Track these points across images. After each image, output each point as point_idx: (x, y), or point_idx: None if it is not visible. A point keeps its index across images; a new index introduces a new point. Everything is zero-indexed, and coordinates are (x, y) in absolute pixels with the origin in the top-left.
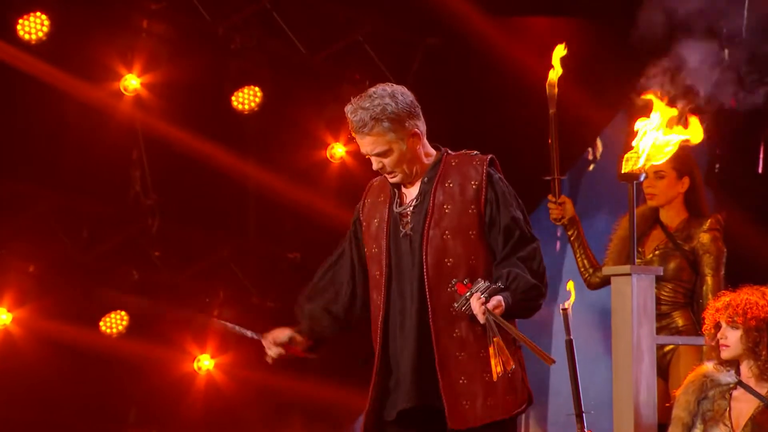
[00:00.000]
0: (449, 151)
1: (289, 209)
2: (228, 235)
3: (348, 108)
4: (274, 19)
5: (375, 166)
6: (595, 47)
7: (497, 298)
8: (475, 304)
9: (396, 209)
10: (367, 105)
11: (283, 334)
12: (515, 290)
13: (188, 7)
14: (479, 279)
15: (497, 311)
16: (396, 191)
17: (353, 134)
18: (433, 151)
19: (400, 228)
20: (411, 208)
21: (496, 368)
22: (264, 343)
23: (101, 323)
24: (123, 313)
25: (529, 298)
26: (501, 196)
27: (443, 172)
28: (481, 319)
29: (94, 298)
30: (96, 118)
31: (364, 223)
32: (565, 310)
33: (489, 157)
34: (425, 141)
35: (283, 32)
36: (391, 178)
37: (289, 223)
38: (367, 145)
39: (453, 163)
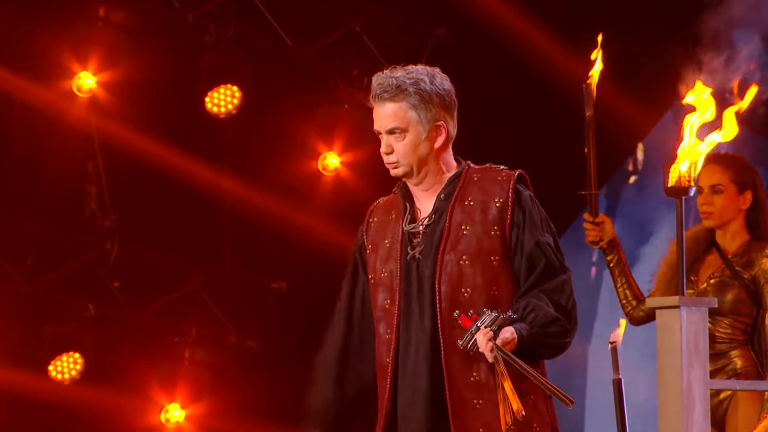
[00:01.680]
0: (471, 165)
1: (273, 231)
2: (201, 262)
3: (376, 75)
4: (255, 6)
5: (383, 148)
6: (636, 38)
7: (509, 330)
8: (482, 339)
9: (406, 227)
10: (399, 74)
11: None
12: (531, 322)
13: None
14: (485, 309)
15: (508, 347)
16: (408, 205)
17: (372, 103)
18: (454, 164)
19: (408, 249)
20: (423, 227)
21: (505, 417)
22: None
23: (51, 367)
24: (77, 354)
25: (549, 334)
26: (528, 218)
27: (463, 188)
28: (489, 357)
29: (43, 337)
30: (44, 123)
31: (370, 246)
32: (613, 344)
33: (517, 172)
34: (449, 148)
35: (266, 21)
36: (394, 167)
37: (273, 247)
38: (383, 116)
39: (475, 178)
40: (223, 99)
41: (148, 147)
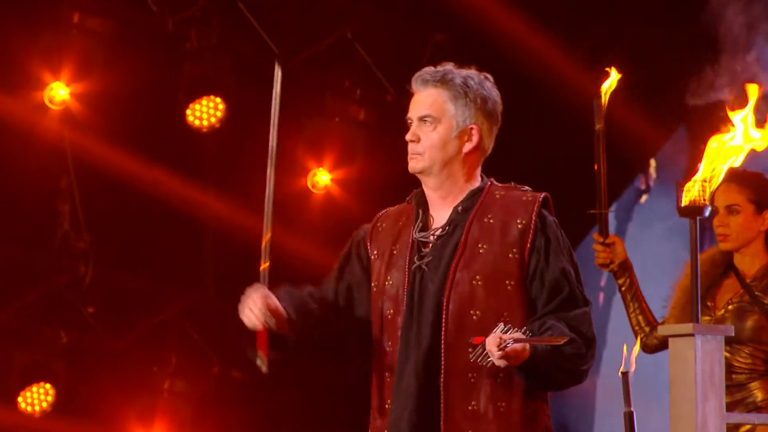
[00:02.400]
0: (495, 182)
1: (259, 252)
2: (182, 287)
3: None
4: (239, 11)
5: (408, 135)
6: (649, 48)
7: (518, 333)
8: (491, 340)
9: (416, 234)
10: (449, 68)
11: (273, 299)
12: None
13: None
14: (499, 324)
15: (518, 360)
16: (420, 212)
17: (412, 88)
18: (479, 178)
19: (415, 259)
20: (434, 237)
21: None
22: (253, 300)
23: (20, 398)
24: (48, 385)
25: (564, 355)
26: (553, 244)
27: (484, 204)
28: (498, 357)
29: (12, 366)
30: (13, 137)
31: (375, 252)
32: (625, 374)
33: (543, 195)
34: (479, 163)
35: (250, 28)
36: (413, 159)
37: (260, 270)
38: (420, 101)
39: (497, 196)
40: (205, 111)
41: (125, 163)
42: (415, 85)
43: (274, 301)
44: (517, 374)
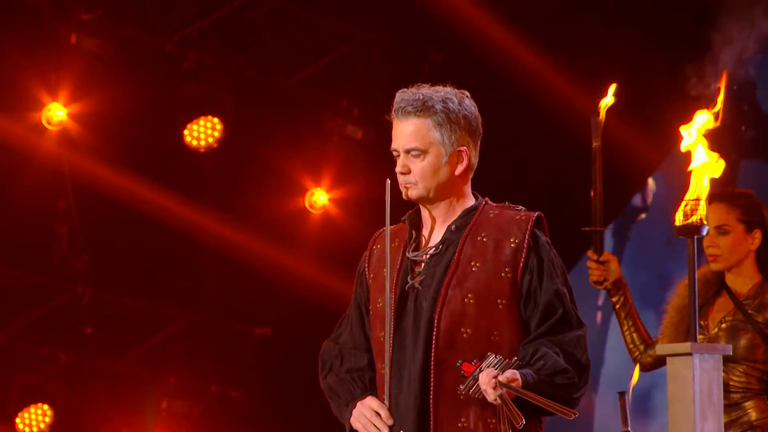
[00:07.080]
0: (489, 202)
1: (257, 272)
2: (180, 307)
3: (400, 91)
4: (237, 31)
5: (398, 168)
6: (645, 66)
7: (512, 371)
8: (485, 378)
9: (409, 254)
10: (426, 91)
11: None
12: (539, 370)
13: (128, 16)
14: (489, 353)
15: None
16: (414, 233)
17: (393, 118)
18: (471, 196)
19: (408, 279)
20: (427, 256)
21: (502, 426)
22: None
23: (18, 419)
24: (45, 406)
25: (557, 385)
26: (546, 265)
27: (477, 223)
28: (492, 395)
29: (10, 387)
30: (11, 158)
31: (372, 275)
32: (623, 394)
33: (536, 214)
34: (469, 180)
35: (249, 48)
36: (408, 188)
37: (258, 290)
38: (403, 133)
39: (491, 215)
40: (203, 132)
41: (123, 183)
42: (396, 115)
43: (385, 411)
44: None
